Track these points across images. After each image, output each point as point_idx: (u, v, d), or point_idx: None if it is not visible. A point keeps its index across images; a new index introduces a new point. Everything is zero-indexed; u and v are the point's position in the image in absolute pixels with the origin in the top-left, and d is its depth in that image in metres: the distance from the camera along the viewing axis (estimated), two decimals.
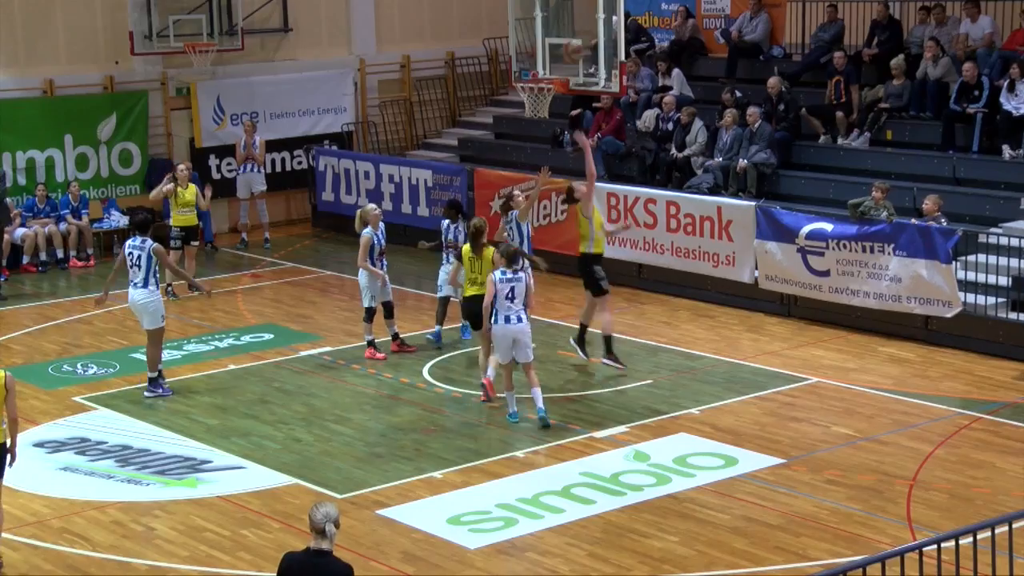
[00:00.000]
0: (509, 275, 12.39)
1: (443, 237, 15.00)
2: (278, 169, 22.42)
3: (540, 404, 12.31)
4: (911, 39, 18.77)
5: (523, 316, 12.41)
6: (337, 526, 6.74)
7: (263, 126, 21.76)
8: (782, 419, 12.51)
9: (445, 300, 15.03)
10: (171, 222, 17.76)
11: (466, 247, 13.45)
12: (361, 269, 14.52)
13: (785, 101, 18.30)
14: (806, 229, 15.43)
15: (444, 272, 14.94)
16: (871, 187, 15.56)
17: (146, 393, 13.55)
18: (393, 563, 9.62)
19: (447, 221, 15.07)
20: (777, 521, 10.15)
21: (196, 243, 17.97)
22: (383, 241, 14.61)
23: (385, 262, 14.61)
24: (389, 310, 14.74)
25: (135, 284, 13.47)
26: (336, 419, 12.82)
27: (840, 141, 18.09)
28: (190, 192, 17.76)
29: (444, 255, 15.05)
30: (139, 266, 13.45)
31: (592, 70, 16.62)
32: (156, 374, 13.59)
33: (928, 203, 15.01)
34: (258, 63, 22.27)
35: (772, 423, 12.39)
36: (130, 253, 13.48)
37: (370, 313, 14.65)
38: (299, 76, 22.57)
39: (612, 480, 11.07)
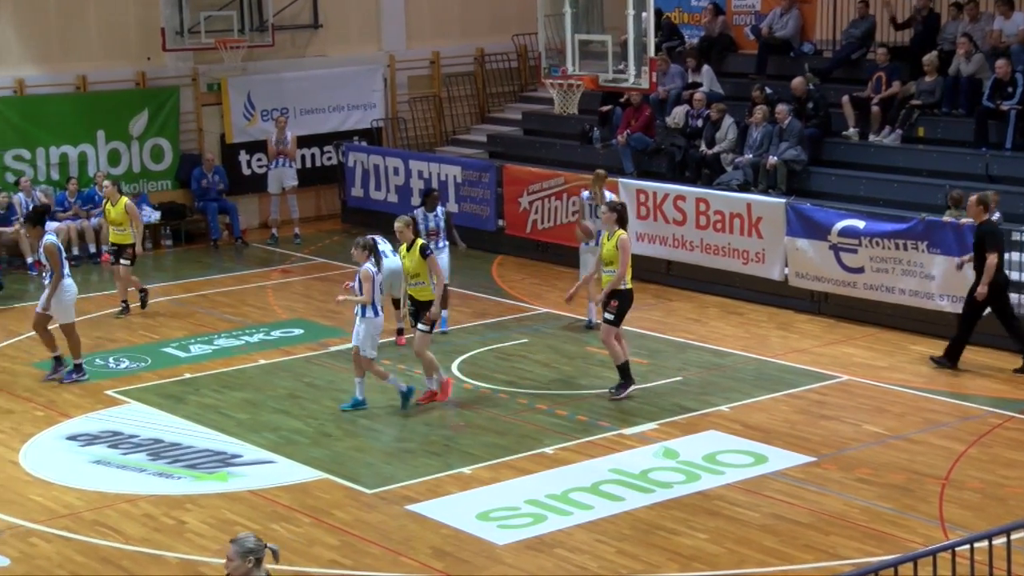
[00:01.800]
0: (376, 268, 12.55)
1: (424, 226, 14.94)
2: (308, 165, 22.49)
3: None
4: (944, 35, 18.65)
5: None
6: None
7: (293, 122, 21.83)
8: (812, 417, 12.46)
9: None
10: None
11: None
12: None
13: (813, 99, 18.20)
14: (839, 226, 15.36)
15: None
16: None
17: (75, 377, 13.97)
18: (422, 558, 9.64)
19: (423, 209, 15.27)
20: (807, 519, 10.12)
21: (126, 262, 16.39)
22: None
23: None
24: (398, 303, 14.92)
25: (68, 276, 13.90)
26: (366, 414, 12.86)
27: (871, 138, 17.99)
28: (117, 210, 16.36)
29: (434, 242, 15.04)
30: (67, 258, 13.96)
31: (622, 66, 16.61)
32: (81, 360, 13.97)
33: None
34: (288, 59, 22.34)
35: (802, 421, 12.35)
36: (60, 248, 13.87)
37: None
38: (329, 72, 22.63)
39: (641, 477, 11.06)
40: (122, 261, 16.43)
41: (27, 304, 17.48)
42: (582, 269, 15.37)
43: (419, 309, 12.90)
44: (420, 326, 12.89)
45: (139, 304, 16.74)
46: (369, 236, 13.86)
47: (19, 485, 11.23)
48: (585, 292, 15.29)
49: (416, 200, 20.68)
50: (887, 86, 17.99)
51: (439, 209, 15.33)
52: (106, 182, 17.30)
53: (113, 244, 16.61)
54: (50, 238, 13.81)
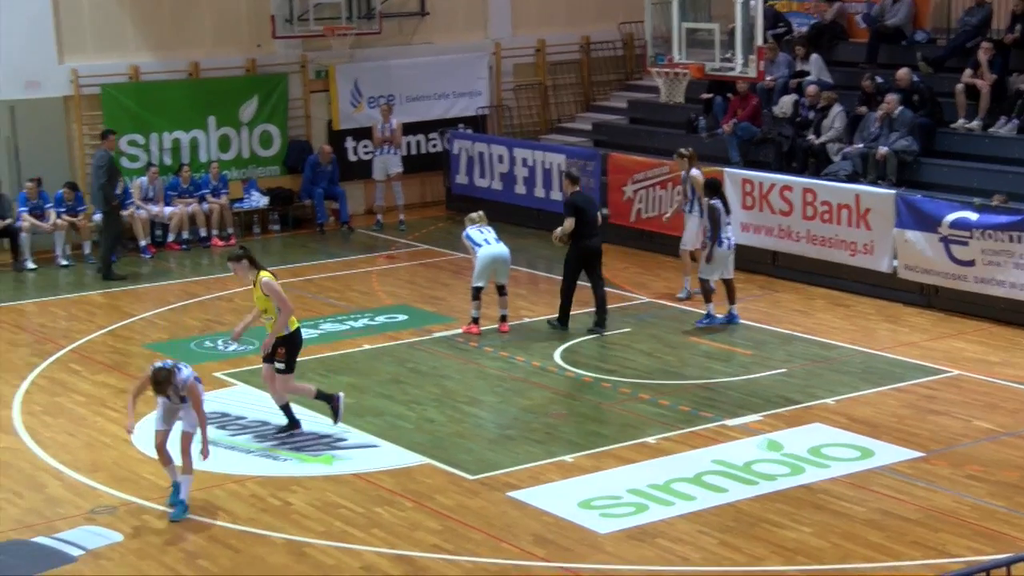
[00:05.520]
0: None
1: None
2: (413, 152, 22.65)
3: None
4: None
5: None
6: None
7: (399, 109, 22.00)
8: (921, 412, 12.25)
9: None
10: None
11: None
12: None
13: (919, 91, 17.82)
14: (950, 218, 15.06)
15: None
16: None
17: None
18: (524, 545, 9.67)
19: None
20: (915, 515, 9.95)
21: None
22: None
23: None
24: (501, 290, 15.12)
25: None
26: (468, 401, 12.93)
27: (973, 124, 17.54)
28: None
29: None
30: None
31: (729, 55, 16.47)
32: None
33: None
34: (395, 46, 22.50)
35: (910, 415, 12.14)
36: None
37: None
38: (435, 60, 22.75)
39: (745, 469, 10.97)
40: None
41: (140, 286, 17.92)
42: (685, 234, 16.21)
43: None
44: None
45: None
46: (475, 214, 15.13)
47: (132, 463, 11.49)
48: (683, 262, 16.29)
49: (521, 188, 20.79)
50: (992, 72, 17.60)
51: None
52: None
53: None
54: None
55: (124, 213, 19.45)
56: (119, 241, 18.80)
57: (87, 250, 19.48)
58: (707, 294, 15.00)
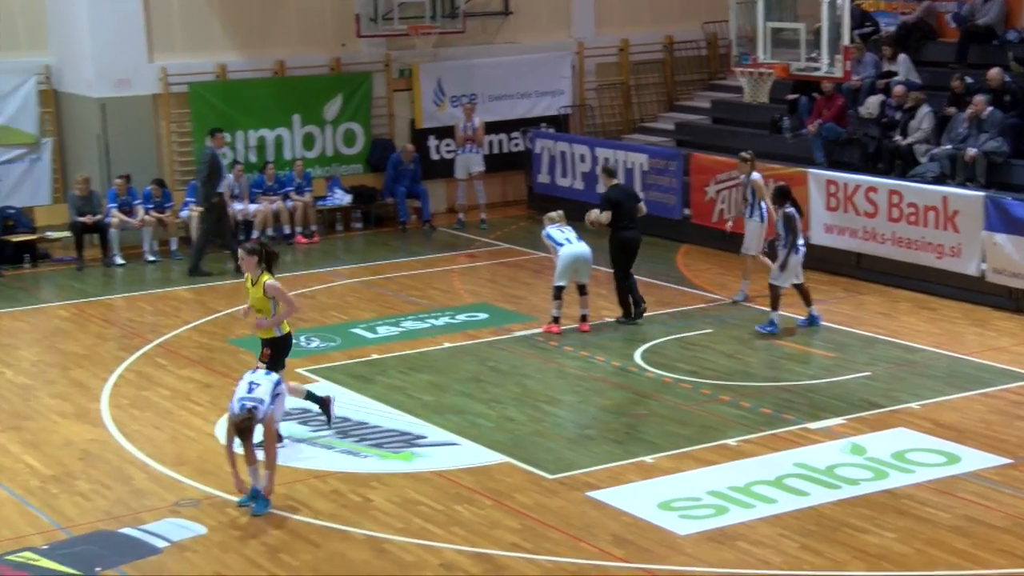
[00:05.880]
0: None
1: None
2: (495, 151, 22.70)
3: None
4: None
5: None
6: None
7: (482, 108, 22.06)
8: (1009, 418, 12.03)
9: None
10: None
11: None
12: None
13: (1010, 91, 17.49)
14: None
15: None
16: None
17: None
18: (602, 545, 9.66)
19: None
20: (1002, 523, 9.78)
21: None
22: None
23: None
24: (582, 289, 15.13)
25: None
26: (548, 400, 12.93)
27: None
28: None
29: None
30: None
31: (814, 55, 16.31)
32: None
33: None
34: (478, 45, 22.57)
35: (998, 421, 11.93)
36: None
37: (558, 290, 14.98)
38: (518, 59, 22.79)
39: (827, 472, 10.85)
40: None
41: (225, 283, 18.15)
42: (746, 239, 16.01)
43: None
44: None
45: None
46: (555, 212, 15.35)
47: (216, 457, 11.64)
48: (743, 265, 16.04)
49: (602, 188, 20.71)
50: None
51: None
52: None
53: None
54: None
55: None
56: (230, 236, 18.88)
57: (174, 246, 19.80)
58: (775, 300, 14.74)
